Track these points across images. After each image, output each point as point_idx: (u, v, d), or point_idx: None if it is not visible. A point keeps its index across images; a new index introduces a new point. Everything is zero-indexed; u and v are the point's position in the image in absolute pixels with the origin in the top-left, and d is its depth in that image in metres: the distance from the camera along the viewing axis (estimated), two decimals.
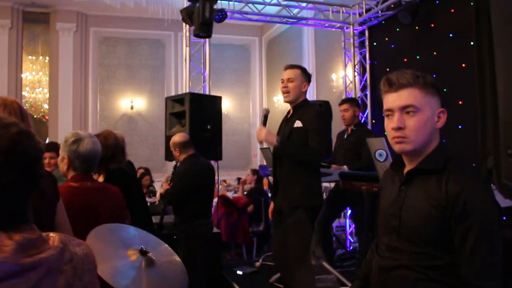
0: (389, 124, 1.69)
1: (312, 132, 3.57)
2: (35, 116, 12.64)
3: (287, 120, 3.77)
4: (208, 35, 6.03)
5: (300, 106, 3.72)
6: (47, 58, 12.12)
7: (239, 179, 9.74)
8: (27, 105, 12.41)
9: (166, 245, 2.52)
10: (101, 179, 3.40)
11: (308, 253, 3.78)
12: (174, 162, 4.67)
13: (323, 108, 5.42)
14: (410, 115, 1.64)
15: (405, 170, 1.74)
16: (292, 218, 3.61)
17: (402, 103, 1.65)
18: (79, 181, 2.63)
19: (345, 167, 5.03)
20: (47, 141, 8.10)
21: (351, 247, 6.79)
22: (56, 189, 2.22)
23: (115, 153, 3.50)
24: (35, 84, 12.40)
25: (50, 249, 1.10)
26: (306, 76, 3.77)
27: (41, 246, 1.09)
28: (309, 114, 3.64)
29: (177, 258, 2.48)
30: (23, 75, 11.94)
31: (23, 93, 12.03)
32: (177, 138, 4.45)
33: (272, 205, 3.93)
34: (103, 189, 2.75)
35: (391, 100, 1.69)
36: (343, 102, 5.41)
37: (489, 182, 0.94)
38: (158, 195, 7.21)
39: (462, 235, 1.53)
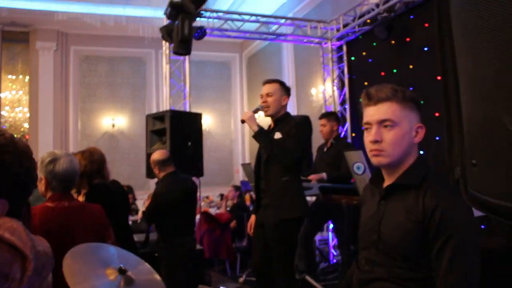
0: (367, 137, 1.72)
1: (289, 138, 3.59)
2: (15, 136, 12.47)
3: (268, 134, 3.79)
4: (188, 53, 6.07)
5: (281, 120, 3.74)
6: (27, 77, 12.04)
7: (222, 195, 9.72)
8: (6, 124, 12.27)
9: (146, 264, 2.51)
10: (81, 198, 3.40)
11: (293, 267, 3.77)
12: (156, 179, 4.65)
13: (303, 120, 5.49)
14: (387, 129, 1.66)
15: (384, 185, 1.76)
16: (277, 231, 3.60)
17: (380, 116, 1.67)
18: (56, 201, 2.62)
19: (324, 174, 5.09)
20: None
21: (335, 260, 6.81)
22: (30, 222, 2.24)
23: (100, 168, 3.53)
24: (14, 103, 12.28)
25: None
26: (285, 90, 3.78)
27: None
28: (289, 125, 3.66)
29: (157, 277, 2.46)
30: (2, 94, 11.83)
31: (2, 112, 11.90)
32: (156, 155, 4.41)
33: (252, 219, 3.91)
34: (81, 208, 2.73)
35: (369, 113, 1.71)
36: (321, 117, 5.51)
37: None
38: (140, 213, 7.17)
39: (438, 250, 1.54)
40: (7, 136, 1.38)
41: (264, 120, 3.81)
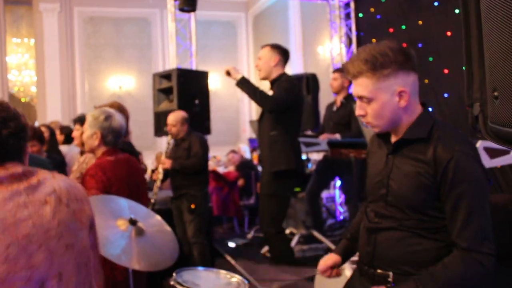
0: None
1: (276, 91, 3.71)
2: (22, 100, 12.52)
3: (250, 82, 3.92)
4: (193, 9, 6.01)
5: (276, 80, 3.85)
6: (32, 40, 11.95)
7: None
8: (15, 88, 12.28)
9: (157, 216, 2.57)
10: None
11: (281, 221, 3.84)
12: (167, 138, 4.72)
13: (293, 77, 5.45)
14: (366, 103, 1.68)
15: (392, 140, 1.77)
16: (267, 185, 3.72)
17: (356, 93, 1.69)
18: (113, 154, 2.76)
19: (337, 135, 5.03)
20: (36, 124, 8.05)
21: (341, 217, 6.89)
22: None
23: (127, 126, 3.59)
24: (21, 67, 12.25)
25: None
26: (277, 50, 3.92)
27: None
28: (280, 83, 3.82)
29: (168, 228, 2.52)
30: (8, 58, 11.79)
31: (10, 76, 11.89)
32: (184, 113, 4.64)
33: None
34: (129, 158, 2.90)
35: (353, 87, 1.75)
36: (336, 70, 5.45)
37: (475, 130, 0.97)
38: (149, 171, 7.22)
39: (454, 203, 1.55)
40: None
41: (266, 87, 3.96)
